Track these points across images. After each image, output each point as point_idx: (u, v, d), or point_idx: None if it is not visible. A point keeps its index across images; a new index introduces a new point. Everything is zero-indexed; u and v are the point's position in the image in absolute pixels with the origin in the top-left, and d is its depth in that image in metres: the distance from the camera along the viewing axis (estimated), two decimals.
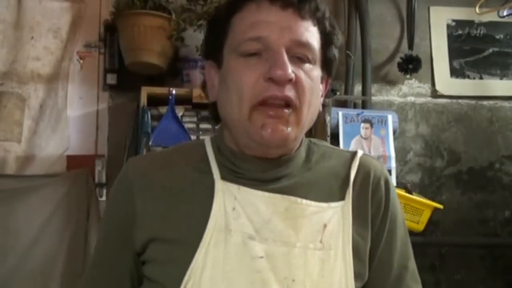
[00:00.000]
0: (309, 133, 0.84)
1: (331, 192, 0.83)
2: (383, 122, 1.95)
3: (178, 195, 0.81)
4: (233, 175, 0.82)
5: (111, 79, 2.05)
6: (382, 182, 0.87)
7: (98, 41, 2.08)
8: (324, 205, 0.81)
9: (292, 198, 0.80)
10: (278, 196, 0.80)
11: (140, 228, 0.81)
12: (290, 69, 0.75)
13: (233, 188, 0.80)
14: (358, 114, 1.94)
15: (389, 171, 1.91)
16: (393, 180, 1.91)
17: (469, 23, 2.26)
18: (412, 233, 1.86)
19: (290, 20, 0.77)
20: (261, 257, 0.75)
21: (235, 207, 0.79)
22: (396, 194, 0.90)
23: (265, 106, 0.76)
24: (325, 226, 0.80)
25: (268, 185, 0.81)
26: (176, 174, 0.84)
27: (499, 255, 2.22)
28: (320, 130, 1.88)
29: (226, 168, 0.83)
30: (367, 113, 1.97)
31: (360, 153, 0.90)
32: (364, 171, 0.87)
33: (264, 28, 0.77)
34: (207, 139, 0.89)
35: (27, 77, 2.01)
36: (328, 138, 1.86)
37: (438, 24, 2.25)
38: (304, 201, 0.80)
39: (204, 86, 0.89)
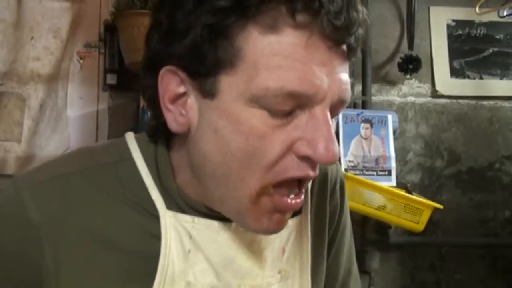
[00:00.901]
0: None
1: None
2: (383, 122, 1.94)
3: (109, 241, 0.59)
4: (182, 204, 0.61)
5: (111, 79, 2.05)
6: (338, 186, 0.76)
7: (98, 41, 2.07)
8: None
9: None
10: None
11: None
12: (337, 147, 0.53)
13: (186, 221, 0.60)
14: (358, 114, 1.94)
15: (389, 171, 1.91)
16: (393, 180, 1.91)
17: (469, 23, 2.25)
18: (412, 233, 1.89)
19: (338, 66, 0.53)
20: None
21: (190, 249, 0.59)
22: (347, 196, 0.79)
23: (279, 188, 0.55)
24: (283, 250, 0.66)
25: None
26: (102, 212, 0.59)
27: (499, 255, 2.22)
28: None
29: (170, 195, 0.61)
30: (367, 113, 1.97)
31: None
32: (321, 175, 0.73)
33: (314, 80, 0.50)
34: (135, 151, 0.63)
35: (27, 77, 2.01)
36: None
37: (438, 24, 2.24)
38: None
39: (150, 97, 0.59)
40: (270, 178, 0.53)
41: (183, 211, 0.61)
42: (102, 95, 2.07)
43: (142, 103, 1.83)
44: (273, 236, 0.65)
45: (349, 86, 0.54)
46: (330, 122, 0.53)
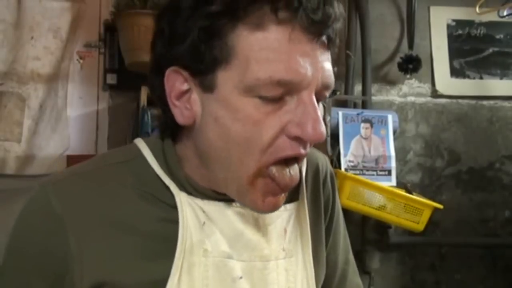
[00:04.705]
0: None
1: None
2: (383, 122, 1.95)
3: (127, 226, 0.65)
4: (190, 189, 0.68)
5: (111, 79, 2.05)
6: (329, 177, 0.82)
7: (98, 41, 2.07)
8: (281, 207, 0.71)
9: None
10: None
11: (79, 274, 0.63)
12: (323, 127, 0.59)
13: (198, 200, 0.67)
14: (358, 114, 1.94)
15: (389, 171, 1.92)
16: (393, 180, 1.91)
17: (469, 23, 2.25)
18: (412, 233, 1.89)
19: (321, 56, 0.59)
20: (241, 278, 0.67)
21: (205, 221, 0.67)
22: (337, 186, 0.85)
23: (278, 165, 0.61)
24: (285, 231, 0.72)
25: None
26: (119, 202, 0.66)
27: (499, 255, 2.22)
28: None
29: (180, 182, 0.68)
30: (367, 113, 1.97)
31: None
32: (313, 165, 0.80)
33: (298, 69, 0.57)
34: (144, 149, 0.70)
35: (27, 77, 2.01)
36: (328, 138, 1.86)
37: (438, 24, 2.24)
38: None
39: (159, 96, 0.66)
40: (266, 159, 0.60)
41: (193, 194, 0.68)
42: (102, 95, 2.07)
43: (142, 103, 1.83)
44: (274, 215, 0.71)
45: (331, 73, 0.61)
46: (316, 105, 0.59)
